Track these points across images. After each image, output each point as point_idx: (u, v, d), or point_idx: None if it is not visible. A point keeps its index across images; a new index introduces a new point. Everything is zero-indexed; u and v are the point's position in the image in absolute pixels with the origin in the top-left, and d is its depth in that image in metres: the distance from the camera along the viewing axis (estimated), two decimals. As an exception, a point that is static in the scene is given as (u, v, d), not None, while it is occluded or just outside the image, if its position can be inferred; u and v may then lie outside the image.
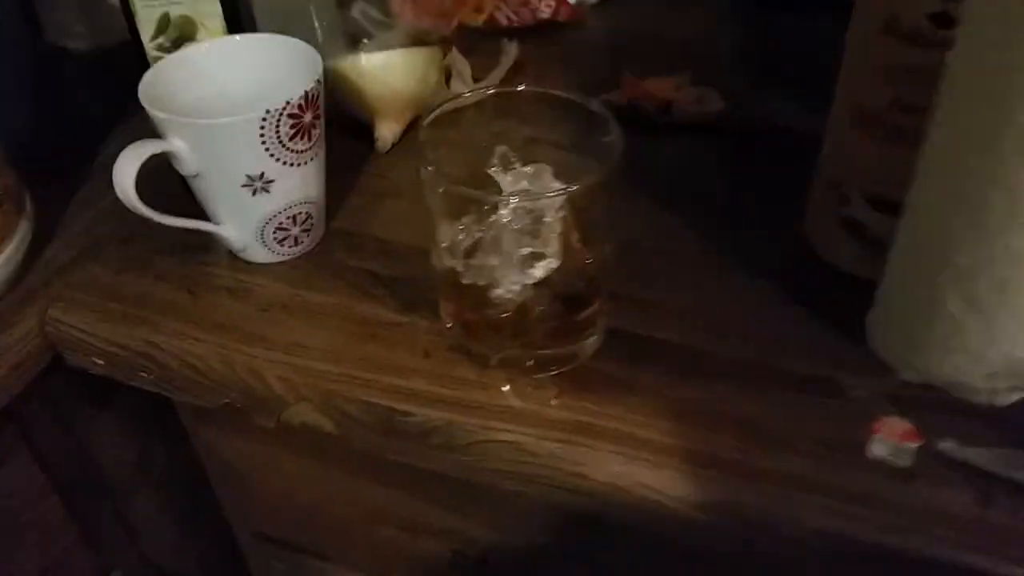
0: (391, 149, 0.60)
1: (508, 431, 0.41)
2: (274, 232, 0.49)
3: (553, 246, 0.40)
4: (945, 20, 0.39)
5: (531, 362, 0.44)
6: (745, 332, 0.45)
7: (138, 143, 0.44)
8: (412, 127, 0.60)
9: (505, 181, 0.42)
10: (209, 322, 0.48)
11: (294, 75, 0.47)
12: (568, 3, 0.70)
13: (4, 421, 0.52)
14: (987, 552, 0.36)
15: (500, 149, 0.43)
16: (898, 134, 0.43)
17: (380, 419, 0.44)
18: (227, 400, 0.47)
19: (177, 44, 0.50)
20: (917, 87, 0.40)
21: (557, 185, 0.41)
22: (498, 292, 0.41)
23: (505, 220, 0.40)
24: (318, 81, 0.46)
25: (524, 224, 0.40)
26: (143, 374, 0.49)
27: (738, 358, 0.44)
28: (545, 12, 0.68)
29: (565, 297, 0.42)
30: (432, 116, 0.42)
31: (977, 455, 0.39)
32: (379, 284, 0.50)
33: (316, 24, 0.59)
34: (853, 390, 0.42)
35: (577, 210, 0.40)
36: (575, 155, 0.43)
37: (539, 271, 0.41)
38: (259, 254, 0.51)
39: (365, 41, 0.62)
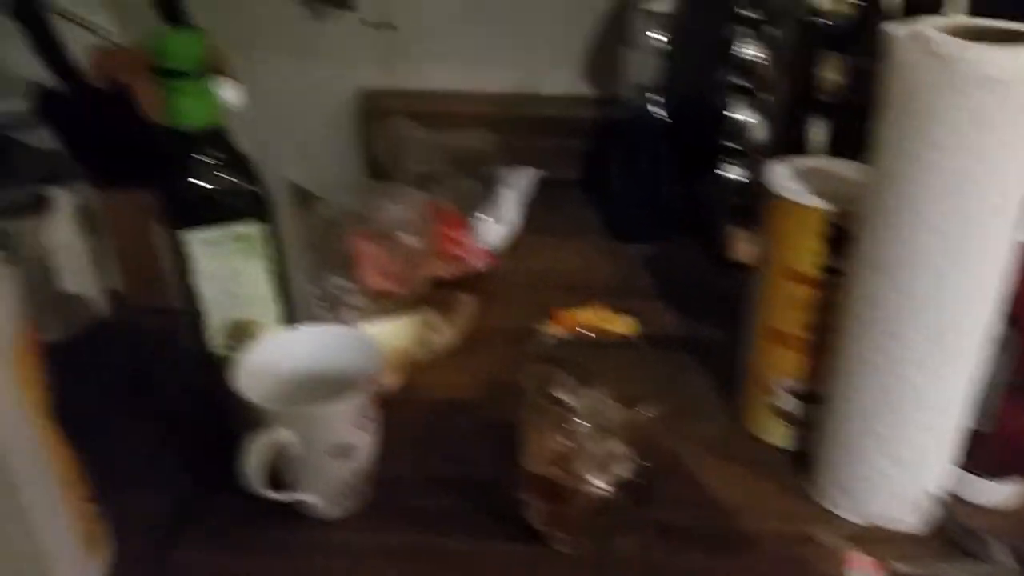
0: (394, 396, 0.70)
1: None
2: (347, 490, 0.58)
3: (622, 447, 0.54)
4: (833, 272, 0.58)
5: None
6: (721, 505, 0.61)
7: (253, 440, 0.52)
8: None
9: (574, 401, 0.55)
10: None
11: (360, 356, 0.58)
12: (485, 250, 0.86)
13: None
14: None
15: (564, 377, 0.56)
16: (809, 347, 0.61)
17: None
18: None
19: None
20: (818, 314, 0.60)
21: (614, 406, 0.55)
22: (589, 488, 0.54)
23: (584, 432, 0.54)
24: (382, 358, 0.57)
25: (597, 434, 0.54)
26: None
27: (714, 526, 0.59)
28: (478, 264, 0.83)
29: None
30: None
31: (922, 569, 0.56)
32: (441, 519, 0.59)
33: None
34: (818, 536, 0.58)
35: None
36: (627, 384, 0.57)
37: (622, 470, 0.54)
38: (333, 511, 0.58)
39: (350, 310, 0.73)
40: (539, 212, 0.97)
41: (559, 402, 0.57)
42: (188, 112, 0.51)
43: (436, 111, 1.02)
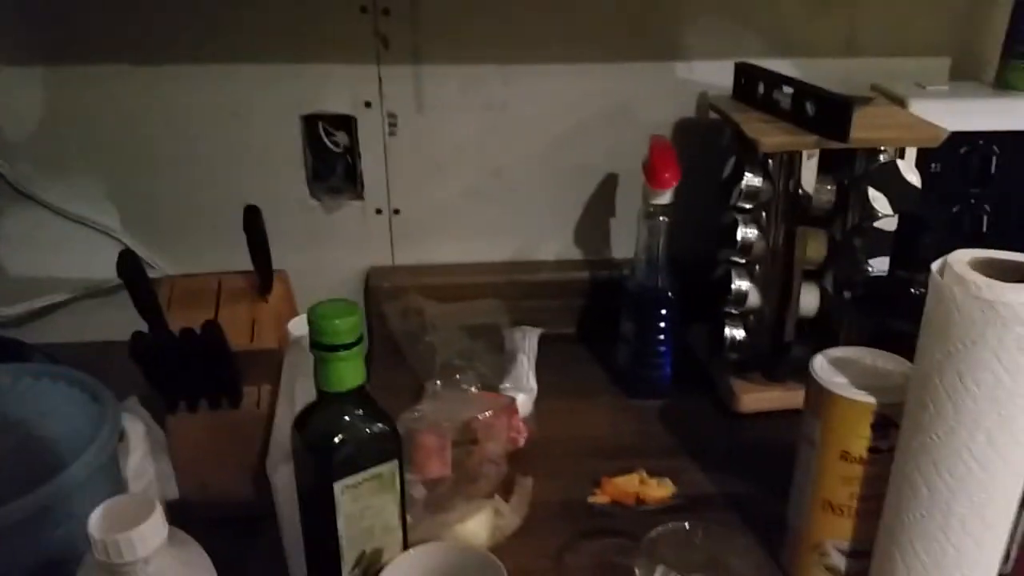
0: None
1: None
2: None
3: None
4: (879, 451, 0.68)
5: None
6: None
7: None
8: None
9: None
10: None
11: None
12: (526, 425, 0.91)
13: None
14: None
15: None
16: (858, 512, 0.70)
17: None
18: None
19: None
20: (866, 488, 0.69)
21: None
22: None
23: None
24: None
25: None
26: None
27: None
28: (521, 440, 0.89)
29: None
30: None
31: None
32: None
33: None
34: None
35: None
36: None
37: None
38: None
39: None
40: (546, 372, 1.03)
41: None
42: (344, 378, 0.56)
43: (441, 283, 1.09)
